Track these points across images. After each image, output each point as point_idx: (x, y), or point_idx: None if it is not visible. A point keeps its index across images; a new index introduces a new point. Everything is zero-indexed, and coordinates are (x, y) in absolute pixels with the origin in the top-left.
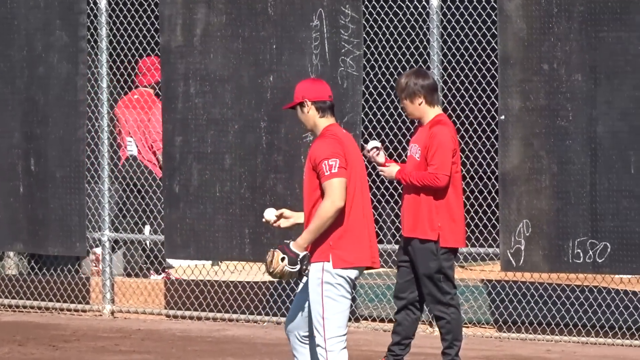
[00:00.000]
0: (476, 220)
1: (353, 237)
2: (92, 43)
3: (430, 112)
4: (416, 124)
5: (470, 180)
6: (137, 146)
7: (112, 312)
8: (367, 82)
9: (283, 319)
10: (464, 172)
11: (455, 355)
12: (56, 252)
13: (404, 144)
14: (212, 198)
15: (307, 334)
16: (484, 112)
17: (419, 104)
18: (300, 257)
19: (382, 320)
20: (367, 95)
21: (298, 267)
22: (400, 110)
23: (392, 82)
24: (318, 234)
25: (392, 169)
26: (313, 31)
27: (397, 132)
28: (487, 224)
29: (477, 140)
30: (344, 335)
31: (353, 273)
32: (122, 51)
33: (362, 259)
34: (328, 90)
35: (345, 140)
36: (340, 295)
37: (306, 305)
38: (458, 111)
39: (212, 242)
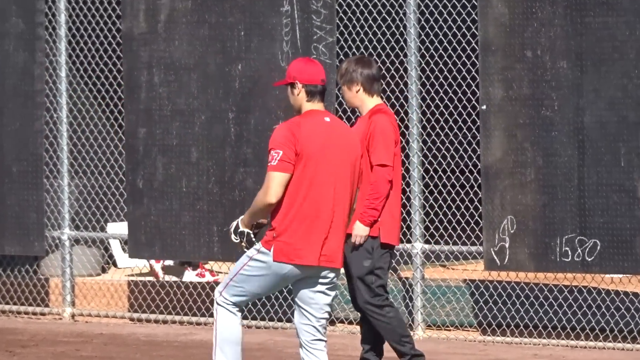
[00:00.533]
0: (458, 216)
1: (300, 232)
2: (50, 30)
3: (368, 102)
4: (357, 114)
5: (451, 174)
6: None
7: (73, 316)
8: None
9: (254, 322)
10: (444, 166)
11: (411, 350)
12: (13, 251)
13: None
14: (178, 193)
15: (312, 338)
16: (464, 101)
17: (357, 92)
18: (239, 230)
19: (359, 323)
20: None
21: (238, 239)
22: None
23: None
24: (253, 217)
25: (358, 227)
26: (283, 17)
27: None
28: (470, 220)
29: (457, 132)
30: (234, 304)
31: (290, 267)
32: (82, 39)
33: (306, 257)
34: (321, 74)
35: (312, 127)
36: (260, 276)
37: (302, 312)
38: (437, 101)
39: (178, 241)
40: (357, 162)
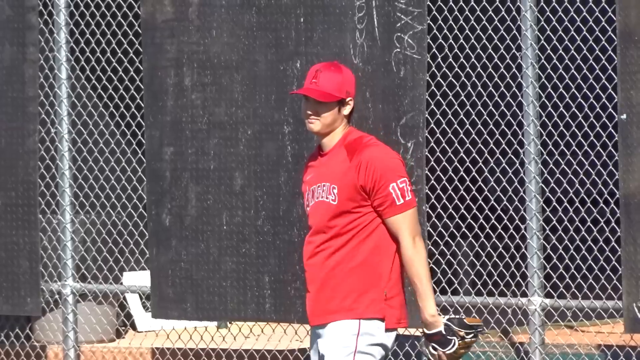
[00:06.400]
0: (590, 261)
1: (400, 287)
2: (46, 17)
3: None
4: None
5: (580, 206)
6: None
7: None
8: (434, 68)
9: None
10: (571, 195)
11: None
12: None
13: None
14: (217, 233)
15: None
16: (598, 109)
17: None
18: (453, 330)
19: None
20: (433, 87)
21: (453, 347)
22: (480, 109)
23: (467, 68)
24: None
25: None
26: None
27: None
28: (605, 266)
29: (588, 150)
30: None
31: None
32: (87, 28)
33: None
34: None
35: None
36: None
37: None
38: (561, 109)
39: (218, 296)
40: None
